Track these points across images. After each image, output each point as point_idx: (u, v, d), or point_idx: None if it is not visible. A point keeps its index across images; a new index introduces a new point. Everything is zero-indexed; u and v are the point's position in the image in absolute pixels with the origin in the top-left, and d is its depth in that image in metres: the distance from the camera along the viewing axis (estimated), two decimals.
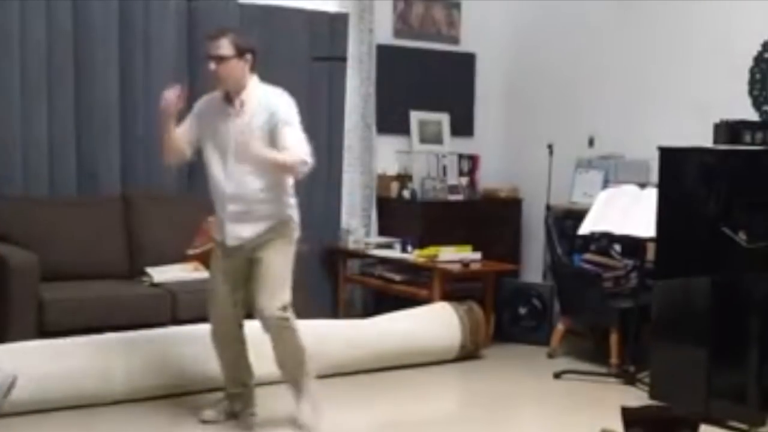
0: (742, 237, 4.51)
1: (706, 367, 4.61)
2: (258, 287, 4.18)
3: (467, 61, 7.26)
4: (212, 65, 4.08)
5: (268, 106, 4.11)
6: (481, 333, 5.79)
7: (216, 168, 4.17)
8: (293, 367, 4.33)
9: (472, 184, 7.00)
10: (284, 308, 4.17)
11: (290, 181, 4.25)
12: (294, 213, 4.30)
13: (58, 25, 5.55)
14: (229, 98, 4.15)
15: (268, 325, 4.18)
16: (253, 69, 4.17)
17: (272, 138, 4.07)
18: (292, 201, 4.30)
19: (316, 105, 6.43)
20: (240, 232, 4.17)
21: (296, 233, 4.33)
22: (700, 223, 4.72)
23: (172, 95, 4.09)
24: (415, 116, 6.96)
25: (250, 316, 4.39)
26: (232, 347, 4.39)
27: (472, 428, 4.62)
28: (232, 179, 4.12)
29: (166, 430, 4.38)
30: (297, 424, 4.31)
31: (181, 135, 4.22)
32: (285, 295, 4.18)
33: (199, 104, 4.30)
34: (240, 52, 4.08)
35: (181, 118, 4.27)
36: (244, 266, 4.25)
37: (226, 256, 4.27)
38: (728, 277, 4.56)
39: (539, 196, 6.65)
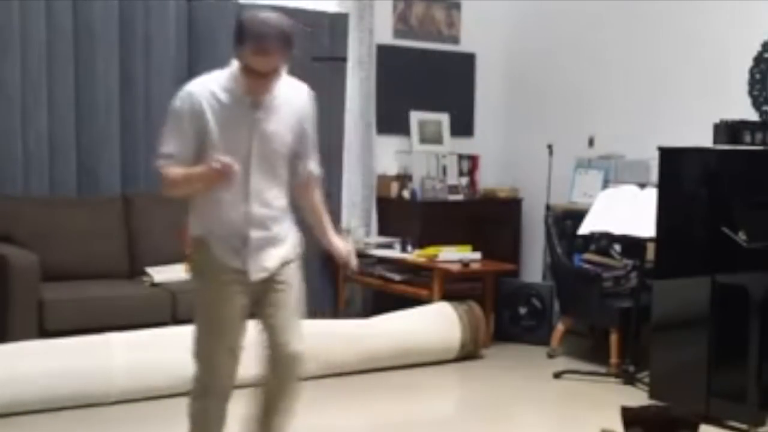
0: (742, 237, 4.51)
1: (705, 367, 4.61)
2: (282, 318, 3.32)
3: (467, 61, 7.27)
4: (255, 77, 3.12)
5: (297, 102, 3.33)
6: (481, 333, 5.79)
7: (233, 186, 3.15)
8: (290, 408, 3.42)
9: (472, 184, 7.01)
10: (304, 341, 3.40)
11: None
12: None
13: (58, 25, 5.55)
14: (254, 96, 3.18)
15: (289, 364, 3.33)
16: None
17: (298, 144, 3.34)
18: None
19: (316, 105, 6.42)
20: (265, 261, 3.27)
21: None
22: (700, 223, 4.72)
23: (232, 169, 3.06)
24: (415, 116, 6.96)
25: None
26: (226, 405, 3.38)
27: (472, 428, 4.62)
28: (257, 198, 3.22)
29: (166, 430, 4.38)
30: None
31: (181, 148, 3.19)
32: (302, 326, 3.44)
33: (201, 96, 3.16)
34: (287, 55, 3.15)
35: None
36: (256, 303, 3.34)
37: (244, 291, 3.27)
38: (728, 277, 4.56)
39: (539, 196, 6.65)
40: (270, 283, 3.29)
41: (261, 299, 3.29)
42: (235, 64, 3.16)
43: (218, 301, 3.26)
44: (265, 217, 3.25)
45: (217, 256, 3.22)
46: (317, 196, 3.51)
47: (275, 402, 3.37)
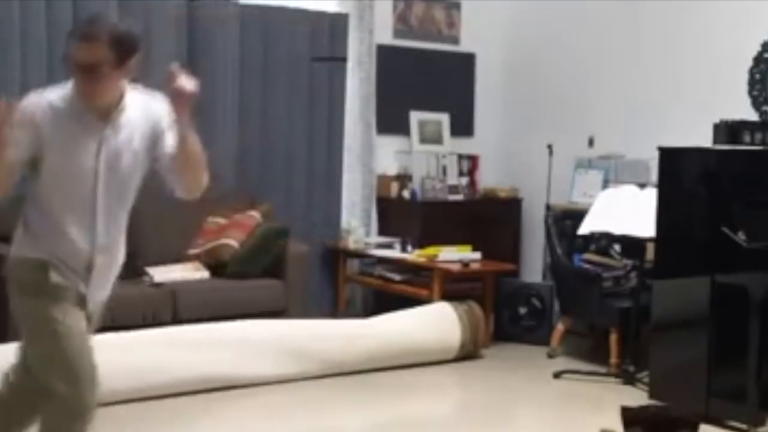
0: (742, 237, 4.51)
1: (705, 367, 4.61)
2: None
3: (467, 61, 7.27)
4: (80, 75, 2.83)
5: (149, 115, 2.99)
6: (480, 333, 5.79)
7: (76, 204, 2.96)
8: None
9: (472, 184, 7.01)
10: None
11: None
12: None
13: (58, 25, 5.55)
14: (97, 110, 2.90)
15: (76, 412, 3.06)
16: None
17: (153, 152, 3.03)
18: None
19: (316, 105, 6.44)
20: (101, 294, 3.11)
21: None
22: (699, 223, 4.72)
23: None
24: (415, 116, 6.96)
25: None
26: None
27: (472, 428, 4.62)
28: (102, 221, 3.01)
29: (166, 430, 4.38)
30: None
31: (12, 153, 2.85)
32: None
33: (42, 105, 2.89)
34: (122, 56, 2.82)
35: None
36: None
37: (82, 311, 3.05)
38: (728, 277, 4.56)
39: (539, 196, 6.65)
40: (92, 314, 3.09)
41: None
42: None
43: (60, 309, 2.94)
44: (110, 244, 3.06)
45: (57, 281, 2.94)
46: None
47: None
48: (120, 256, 3.14)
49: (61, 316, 2.93)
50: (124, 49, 2.81)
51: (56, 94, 2.91)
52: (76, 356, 2.96)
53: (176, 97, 2.85)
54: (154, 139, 3.00)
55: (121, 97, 2.90)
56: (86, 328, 3.02)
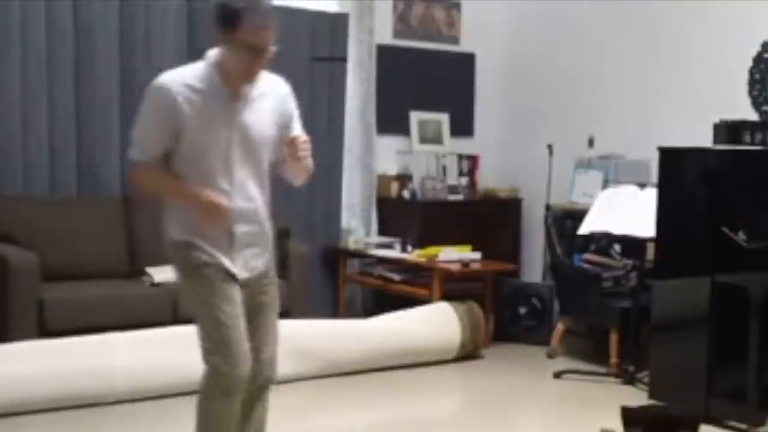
0: (742, 237, 4.51)
1: (705, 367, 4.61)
2: (262, 338, 3.23)
3: (467, 61, 7.27)
4: (254, 57, 3.01)
5: (278, 92, 3.19)
6: (480, 333, 5.80)
7: (218, 180, 3.07)
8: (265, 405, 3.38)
9: (472, 184, 7.01)
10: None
11: None
12: None
13: (58, 25, 5.55)
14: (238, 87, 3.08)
15: (262, 386, 3.28)
16: None
17: (283, 129, 3.18)
18: None
19: (316, 105, 6.44)
20: (252, 264, 3.18)
21: None
22: (699, 224, 4.72)
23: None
24: (415, 116, 6.96)
25: None
26: (240, 396, 3.19)
27: (472, 428, 4.62)
28: (239, 191, 3.11)
29: (166, 430, 4.38)
30: None
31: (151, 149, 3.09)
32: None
33: (179, 89, 3.02)
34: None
35: None
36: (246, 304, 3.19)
37: (237, 288, 3.15)
38: (728, 277, 4.56)
39: (539, 196, 6.65)
40: (255, 302, 3.19)
41: (247, 301, 3.16)
42: (211, 56, 3.07)
43: (218, 295, 3.08)
44: (249, 213, 3.12)
45: (203, 260, 3.08)
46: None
47: (253, 419, 3.30)
48: (266, 224, 3.20)
49: (216, 300, 3.07)
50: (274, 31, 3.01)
51: (192, 74, 3.06)
52: (231, 340, 3.05)
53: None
54: (286, 118, 3.18)
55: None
56: (240, 304, 3.10)
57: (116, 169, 5.78)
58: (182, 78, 3.04)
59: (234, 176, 3.08)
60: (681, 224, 4.84)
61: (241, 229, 3.11)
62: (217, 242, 3.09)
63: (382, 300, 6.44)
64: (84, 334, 4.72)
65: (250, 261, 3.15)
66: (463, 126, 7.23)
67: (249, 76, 3.04)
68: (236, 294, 3.11)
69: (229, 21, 3.02)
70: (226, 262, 3.10)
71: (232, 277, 3.11)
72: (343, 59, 6.59)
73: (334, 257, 6.58)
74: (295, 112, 3.22)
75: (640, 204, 5.27)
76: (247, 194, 3.11)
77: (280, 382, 4.48)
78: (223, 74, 3.04)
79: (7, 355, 4.47)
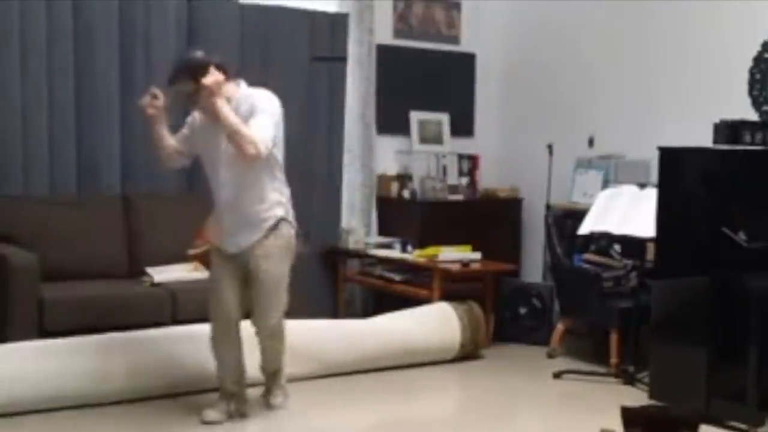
0: (742, 237, 4.51)
1: (706, 367, 4.61)
2: (256, 299, 4.37)
3: (467, 61, 7.27)
4: (194, 98, 4.27)
5: (249, 101, 4.23)
6: (480, 333, 5.79)
7: (212, 178, 4.35)
8: (275, 364, 4.59)
9: (472, 184, 7.01)
10: (279, 319, 4.44)
11: (278, 177, 4.38)
12: (284, 211, 4.37)
13: (58, 25, 5.55)
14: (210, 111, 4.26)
15: (263, 335, 4.46)
16: (228, 78, 4.26)
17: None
18: (282, 198, 4.39)
19: (316, 105, 6.43)
20: (237, 240, 4.33)
21: (291, 232, 4.41)
22: (700, 223, 4.72)
23: (144, 102, 4.30)
24: (415, 116, 6.96)
25: (246, 316, 4.41)
26: (233, 347, 4.47)
27: (472, 428, 4.62)
28: (225, 187, 4.29)
29: (166, 430, 4.38)
30: (271, 406, 4.62)
31: (177, 143, 4.45)
32: (281, 306, 4.43)
33: (192, 116, 4.45)
34: (196, 77, 4.17)
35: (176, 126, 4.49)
36: (243, 271, 4.38)
37: (228, 259, 4.39)
38: (728, 277, 4.55)
39: (539, 196, 6.65)
40: (249, 269, 4.32)
41: (246, 280, 4.37)
42: None
43: (215, 270, 4.50)
44: (233, 203, 4.28)
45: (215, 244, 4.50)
46: None
47: (263, 357, 4.56)
48: (248, 211, 4.29)
49: (215, 277, 4.46)
50: (195, 72, 4.16)
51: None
52: (217, 316, 4.44)
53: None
54: (250, 116, 4.18)
55: (229, 98, 4.20)
56: (228, 279, 4.37)
57: (116, 169, 5.78)
58: (193, 113, 4.48)
59: (220, 176, 4.31)
60: (681, 224, 4.83)
61: (226, 217, 4.35)
62: (221, 226, 4.45)
63: (382, 300, 6.44)
64: (84, 334, 4.72)
65: (233, 239, 4.35)
66: (463, 126, 7.23)
67: (200, 109, 4.31)
68: (228, 265, 4.43)
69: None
70: (222, 242, 4.44)
71: (224, 255, 4.46)
72: (343, 59, 6.58)
73: (334, 257, 6.58)
74: (258, 110, 4.18)
75: (640, 204, 5.27)
76: (230, 189, 4.28)
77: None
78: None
79: (7, 355, 4.47)
